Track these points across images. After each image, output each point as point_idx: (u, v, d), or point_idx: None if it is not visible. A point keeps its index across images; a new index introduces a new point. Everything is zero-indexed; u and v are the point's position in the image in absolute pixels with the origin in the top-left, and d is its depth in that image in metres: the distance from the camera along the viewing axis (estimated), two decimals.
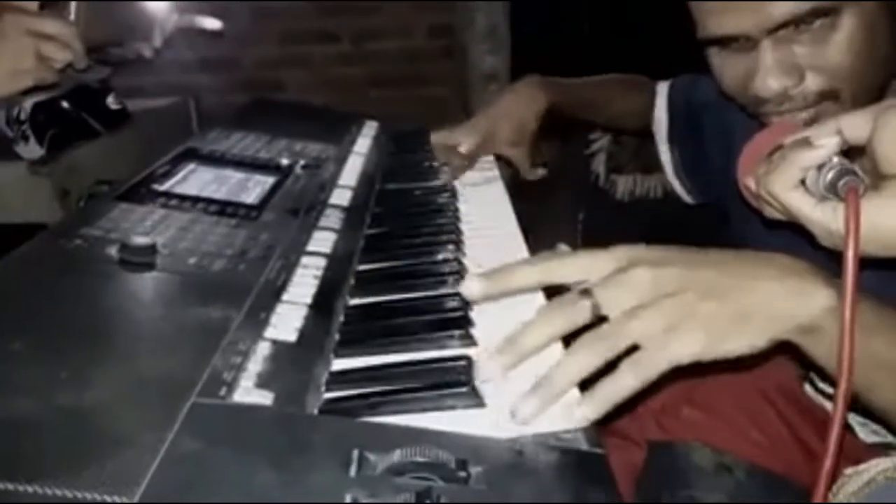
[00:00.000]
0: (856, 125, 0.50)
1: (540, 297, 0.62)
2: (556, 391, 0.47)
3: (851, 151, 0.51)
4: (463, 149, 1.01)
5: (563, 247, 0.62)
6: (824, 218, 0.50)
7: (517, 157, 1.06)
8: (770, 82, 0.65)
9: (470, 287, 0.53)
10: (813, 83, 0.66)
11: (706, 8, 0.67)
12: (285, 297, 0.59)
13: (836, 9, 0.62)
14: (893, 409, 0.51)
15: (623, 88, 1.12)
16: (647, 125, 1.07)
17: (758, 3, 0.63)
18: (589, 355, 0.47)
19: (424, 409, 0.48)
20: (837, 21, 0.63)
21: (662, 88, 1.05)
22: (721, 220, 0.96)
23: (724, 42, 0.68)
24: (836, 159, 0.50)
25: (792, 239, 0.56)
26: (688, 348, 0.47)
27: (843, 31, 0.63)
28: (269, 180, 0.85)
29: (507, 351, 0.50)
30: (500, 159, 1.05)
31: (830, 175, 0.49)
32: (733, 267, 0.51)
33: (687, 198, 1.06)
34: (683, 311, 0.48)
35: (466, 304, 0.60)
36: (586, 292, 0.49)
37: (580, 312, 0.49)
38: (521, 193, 0.93)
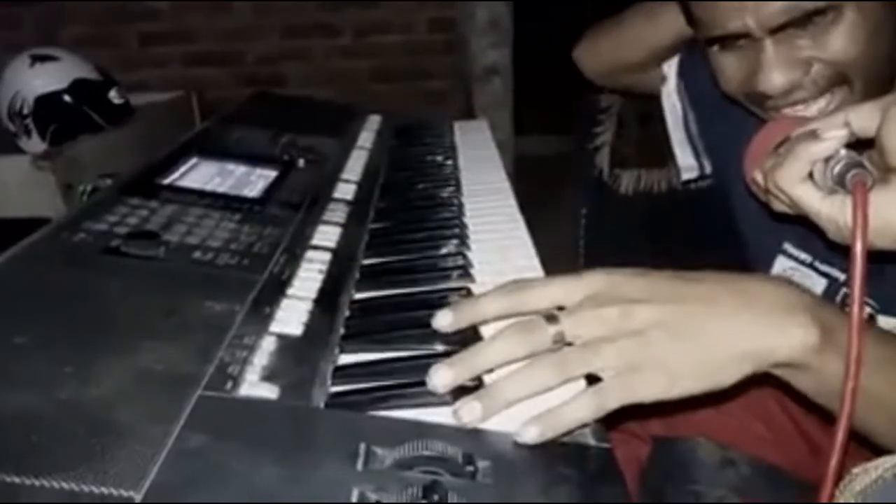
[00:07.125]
0: (863, 117, 0.50)
1: None
2: (500, 403, 0.45)
3: (859, 144, 0.51)
4: None
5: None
6: (832, 211, 0.50)
7: None
8: (774, 78, 0.64)
9: (440, 319, 0.52)
10: (819, 72, 0.65)
11: (707, 7, 0.66)
12: (290, 291, 0.59)
13: (837, 6, 0.62)
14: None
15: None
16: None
17: (759, 1, 0.62)
18: (545, 375, 0.45)
19: (431, 404, 0.48)
20: (839, 16, 0.62)
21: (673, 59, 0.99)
22: (719, 198, 0.93)
23: (726, 41, 0.68)
24: (843, 152, 0.49)
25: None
26: (650, 390, 0.45)
27: (846, 24, 0.62)
28: (272, 174, 0.85)
29: (459, 364, 0.47)
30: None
31: (838, 168, 0.49)
32: (709, 303, 0.47)
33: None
34: (649, 351, 0.45)
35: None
36: (552, 318, 0.47)
37: (542, 338, 0.47)
38: (525, 188, 0.93)
